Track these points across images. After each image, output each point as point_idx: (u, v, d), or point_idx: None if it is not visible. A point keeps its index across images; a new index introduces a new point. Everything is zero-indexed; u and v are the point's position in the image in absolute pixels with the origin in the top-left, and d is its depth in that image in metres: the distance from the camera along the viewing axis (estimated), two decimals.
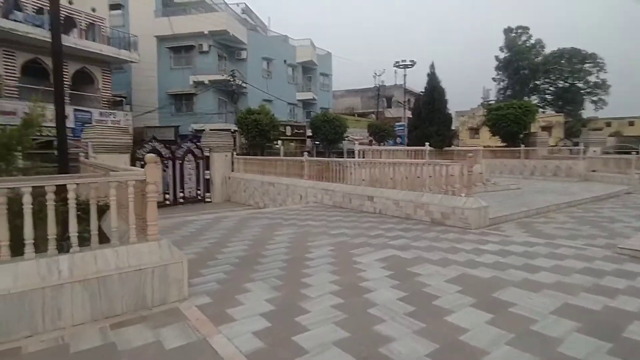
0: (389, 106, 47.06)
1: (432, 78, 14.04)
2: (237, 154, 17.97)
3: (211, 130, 18.70)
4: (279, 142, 23.90)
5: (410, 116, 14.65)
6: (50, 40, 17.03)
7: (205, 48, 25.86)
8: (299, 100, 33.62)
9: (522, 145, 21.21)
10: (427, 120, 13.53)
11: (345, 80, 56.66)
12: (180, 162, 15.76)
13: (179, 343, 3.28)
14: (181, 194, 15.81)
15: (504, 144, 23.07)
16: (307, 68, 35.10)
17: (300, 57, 33.38)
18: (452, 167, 8.22)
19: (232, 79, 23.75)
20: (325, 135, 22.23)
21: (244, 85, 26.01)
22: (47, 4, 18.68)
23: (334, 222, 8.56)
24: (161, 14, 26.68)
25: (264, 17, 37.37)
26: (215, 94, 26.87)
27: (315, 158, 12.54)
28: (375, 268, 5.19)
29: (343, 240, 6.77)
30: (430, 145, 13.30)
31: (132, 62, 22.18)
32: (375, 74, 37.96)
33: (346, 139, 28.73)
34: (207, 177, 17.01)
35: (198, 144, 17.04)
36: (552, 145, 28.35)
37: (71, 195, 3.79)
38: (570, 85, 48.96)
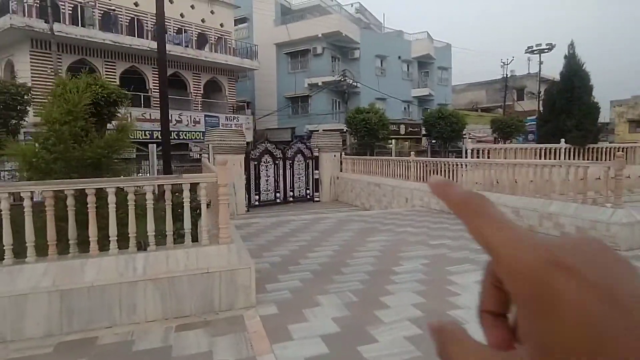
0: (520, 98, 41.71)
1: (571, 61, 11.37)
2: (345, 154, 17.83)
3: (323, 130, 18.96)
4: (392, 141, 23.11)
5: (541, 109, 12.33)
6: (186, 55, 19.15)
7: (319, 51, 26.53)
8: (414, 97, 32.10)
9: None
10: (564, 111, 11.02)
11: (469, 73, 52.24)
12: (291, 162, 16.31)
13: (228, 358, 3.05)
14: (291, 193, 16.36)
15: None
16: (424, 62, 33.29)
17: (416, 51, 31.81)
18: (592, 168, 6.52)
19: (342, 79, 23.82)
20: (440, 133, 20.59)
21: (355, 84, 25.88)
22: (187, 24, 21.53)
23: (436, 230, 7.61)
24: (280, 22, 28.30)
25: (379, 15, 36.73)
26: (328, 95, 27.39)
27: (423, 158, 11.55)
28: (473, 292, 4.26)
29: (441, 253, 5.88)
30: (566, 142, 10.98)
31: (253, 69, 24.01)
32: (504, 62, 33.79)
33: (466, 136, 26.36)
34: (316, 176, 17.27)
35: (308, 144, 17.42)
36: None
37: (149, 196, 3.93)
38: None
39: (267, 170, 15.51)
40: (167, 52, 19.80)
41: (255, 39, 29.46)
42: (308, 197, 17.17)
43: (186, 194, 4.07)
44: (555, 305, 0.20)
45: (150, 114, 19.13)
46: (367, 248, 6.35)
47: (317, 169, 17.32)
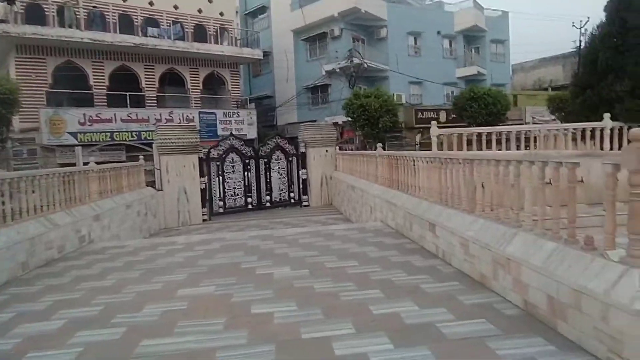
0: None
1: None
2: (349, 149, 14.71)
3: (310, 122, 16.04)
4: (420, 132, 19.26)
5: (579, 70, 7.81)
6: (176, 49, 17.40)
7: (336, 33, 23.38)
8: (459, 77, 27.29)
9: None
10: (612, 70, 6.61)
11: (541, 45, 44.21)
12: (266, 160, 13.68)
13: None
14: (268, 197, 13.75)
15: None
16: (472, 36, 28.19)
17: (460, 24, 26.96)
18: (594, 167, 2.95)
19: (350, 62, 20.41)
20: (473, 117, 16.37)
21: (367, 65, 22.18)
22: (182, 16, 19.96)
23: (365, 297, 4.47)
24: (298, 6, 25.65)
25: None
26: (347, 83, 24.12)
27: (389, 152, 8.17)
28: None
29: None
30: (614, 119, 6.73)
31: (255, 59, 21.76)
32: (578, 27, 27.09)
33: (534, 118, 21.42)
34: (304, 177, 14.43)
35: (291, 138, 14.65)
36: None
37: None
38: None
39: (233, 171, 13.07)
40: (154, 47, 18.51)
41: (274, 29, 27.25)
42: (293, 201, 14.40)
43: None
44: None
45: (136, 114, 17.82)
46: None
47: (304, 167, 14.48)
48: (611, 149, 7.07)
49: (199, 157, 12.15)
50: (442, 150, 7.15)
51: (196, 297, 4.04)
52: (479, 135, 8.24)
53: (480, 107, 16.11)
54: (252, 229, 9.83)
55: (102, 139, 16.96)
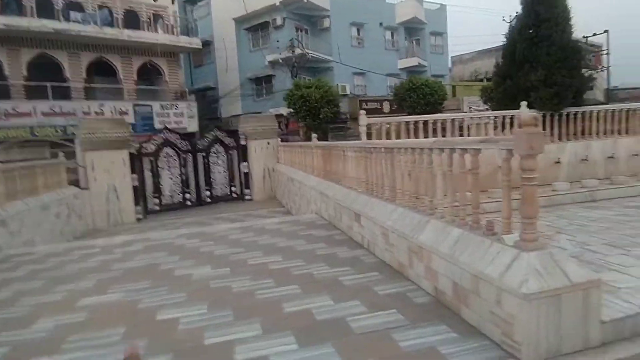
0: None
1: None
2: (281, 141, 14.47)
3: (252, 114, 15.64)
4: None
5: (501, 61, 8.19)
6: (104, 36, 16.02)
7: (279, 22, 22.92)
8: (401, 69, 27.91)
9: None
10: (527, 60, 7.01)
11: (482, 38, 46.42)
12: (205, 154, 13.14)
13: None
14: (208, 193, 13.24)
15: None
16: (412, 29, 28.90)
17: (401, 16, 27.50)
18: (479, 153, 2.96)
19: (292, 52, 20.14)
20: (412, 107, 16.78)
21: (317, 57, 22.10)
22: (110, 0, 18.51)
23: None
24: None
25: None
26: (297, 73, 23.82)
27: (322, 142, 8.08)
28: None
29: None
30: (531, 107, 7.14)
31: (195, 48, 20.75)
32: (507, 21, 28.66)
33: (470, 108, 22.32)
34: (246, 170, 14.05)
35: (235, 131, 14.20)
36: None
37: None
38: None
39: (169, 166, 12.40)
40: (79, 34, 17.05)
41: (215, 17, 26.23)
42: (236, 195, 13.99)
43: None
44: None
45: (61, 107, 16.37)
46: None
47: (245, 160, 14.10)
48: None
49: (129, 153, 11.37)
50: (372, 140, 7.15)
51: (99, 307, 3.68)
52: (416, 123, 8.33)
53: (419, 97, 16.54)
54: (189, 226, 9.36)
55: (22, 135, 15.41)
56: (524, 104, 7.28)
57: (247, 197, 14.09)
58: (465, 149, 3.09)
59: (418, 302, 3.22)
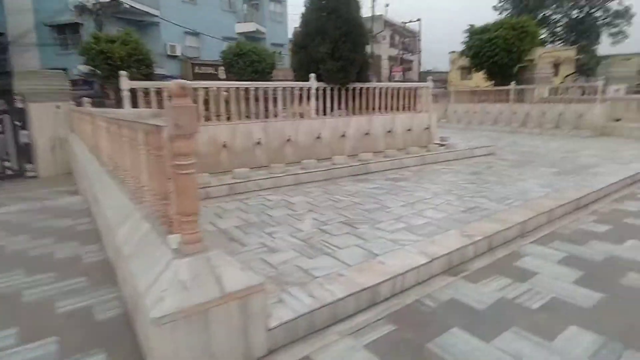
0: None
1: None
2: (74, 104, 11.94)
3: (38, 70, 12.54)
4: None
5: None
6: None
7: None
8: (239, 33, 26.54)
9: (513, 84, 14.91)
10: (320, 32, 7.09)
11: None
12: None
13: None
14: None
15: (492, 83, 16.79)
16: None
17: None
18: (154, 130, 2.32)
19: None
20: (239, 74, 15.96)
21: (137, 9, 19.11)
22: None
23: None
24: None
25: None
26: (113, 26, 20.16)
27: (90, 109, 6.63)
28: None
29: None
30: (320, 80, 7.24)
31: None
32: None
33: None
34: (26, 140, 11.18)
35: (3, 90, 11.03)
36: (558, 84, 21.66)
37: None
38: (586, 15, 40.65)
39: None
40: None
41: None
42: (12, 172, 11.09)
43: None
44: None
45: None
46: None
47: (25, 128, 11.20)
48: (317, 109, 7.57)
49: None
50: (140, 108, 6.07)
51: None
52: (247, 91, 7.24)
53: (246, 64, 15.76)
54: None
55: None
56: (312, 75, 7.25)
57: (29, 174, 11.32)
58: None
59: (99, 320, 2.53)
